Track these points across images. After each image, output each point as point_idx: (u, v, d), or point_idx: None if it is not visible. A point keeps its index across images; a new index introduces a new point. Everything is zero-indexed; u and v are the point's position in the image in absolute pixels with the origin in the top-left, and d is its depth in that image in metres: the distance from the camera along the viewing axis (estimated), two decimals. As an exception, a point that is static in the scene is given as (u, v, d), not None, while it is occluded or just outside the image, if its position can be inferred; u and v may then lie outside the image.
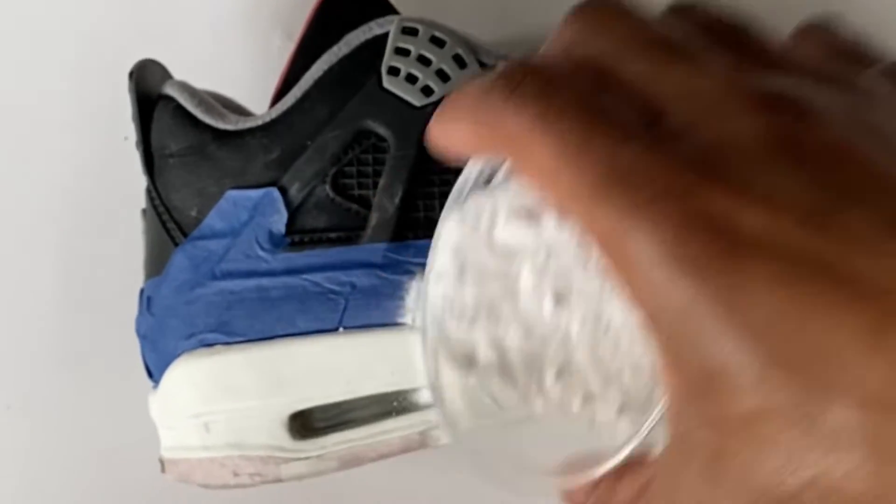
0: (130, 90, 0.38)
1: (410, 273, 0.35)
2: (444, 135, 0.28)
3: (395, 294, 0.35)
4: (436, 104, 0.36)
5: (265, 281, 0.36)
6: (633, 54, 0.26)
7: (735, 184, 0.23)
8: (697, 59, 0.26)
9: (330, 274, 0.36)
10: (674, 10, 0.28)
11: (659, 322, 0.24)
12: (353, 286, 0.35)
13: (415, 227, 0.35)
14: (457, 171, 0.36)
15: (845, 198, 0.23)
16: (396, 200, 0.36)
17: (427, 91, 0.36)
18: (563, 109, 0.25)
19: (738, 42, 0.27)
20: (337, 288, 0.36)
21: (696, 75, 0.25)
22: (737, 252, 0.23)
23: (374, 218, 0.36)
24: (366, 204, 0.36)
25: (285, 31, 0.45)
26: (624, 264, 0.24)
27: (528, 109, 0.25)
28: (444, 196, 0.36)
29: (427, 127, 0.28)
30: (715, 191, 0.23)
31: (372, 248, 0.35)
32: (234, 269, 0.36)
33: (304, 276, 0.36)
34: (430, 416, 0.36)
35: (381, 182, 0.36)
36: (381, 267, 0.35)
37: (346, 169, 0.36)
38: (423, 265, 0.35)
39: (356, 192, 0.36)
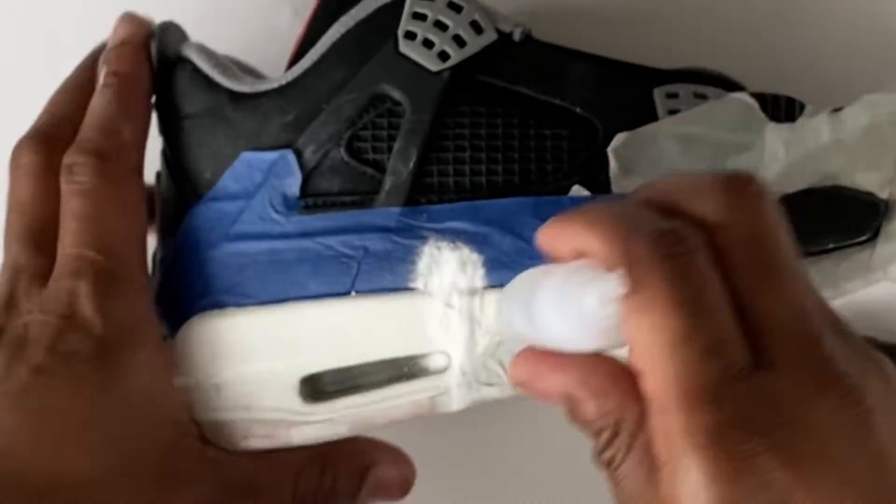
0: (151, 51, 0.38)
1: (423, 238, 0.35)
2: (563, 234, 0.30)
3: (407, 258, 0.35)
4: (452, 69, 0.36)
5: (278, 243, 0.36)
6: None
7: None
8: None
9: (343, 237, 0.36)
10: None
11: None
12: (366, 250, 0.35)
13: (428, 192, 0.35)
14: (472, 138, 0.36)
15: None
16: (410, 165, 0.35)
17: (443, 56, 0.36)
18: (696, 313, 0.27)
19: None
20: (350, 252, 0.36)
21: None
22: None
23: (388, 182, 0.36)
24: (380, 168, 0.36)
25: (293, 9, 0.45)
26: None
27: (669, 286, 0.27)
28: (458, 161, 0.36)
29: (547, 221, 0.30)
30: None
31: (385, 212, 0.35)
32: (248, 231, 0.36)
33: (318, 239, 0.36)
34: (440, 381, 0.36)
35: (396, 146, 0.36)
36: (395, 231, 0.35)
37: (361, 133, 0.36)
38: (435, 230, 0.35)
39: (371, 155, 0.36)
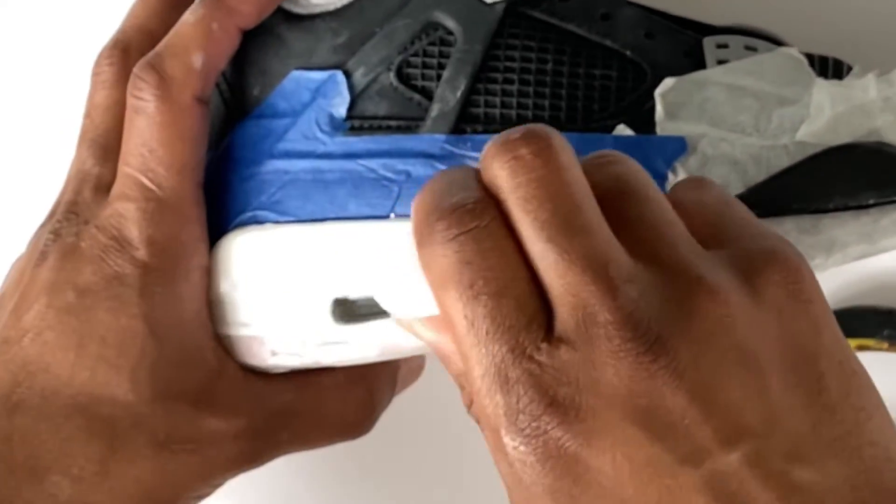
0: None
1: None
2: None
3: None
4: (506, 2, 0.36)
5: (321, 163, 0.36)
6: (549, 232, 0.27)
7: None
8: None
9: (386, 161, 0.36)
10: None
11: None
12: (409, 175, 0.36)
13: (474, 122, 0.36)
14: (521, 72, 0.36)
15: None
16: (458, 94, 0.36)
17: (499, -11, 0.36)
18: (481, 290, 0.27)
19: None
20: (392, 175, 0.36)
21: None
22: None
23: (434, 109, 0.36)
24: (428, 95, 0.36)
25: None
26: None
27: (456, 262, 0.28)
28: (505, 94, 0.36)
29: None
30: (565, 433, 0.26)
31: (430, 139, 0.36)
32: (292, 150, 0.37)
33: (361, 161, 0.36)
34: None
35: (445, 74, 0.36)
36: (438, 158, 0.36)
37: (412, 59, 0.36)
38: (479, 159, 0.35)
39: (420, 82, 0.36)
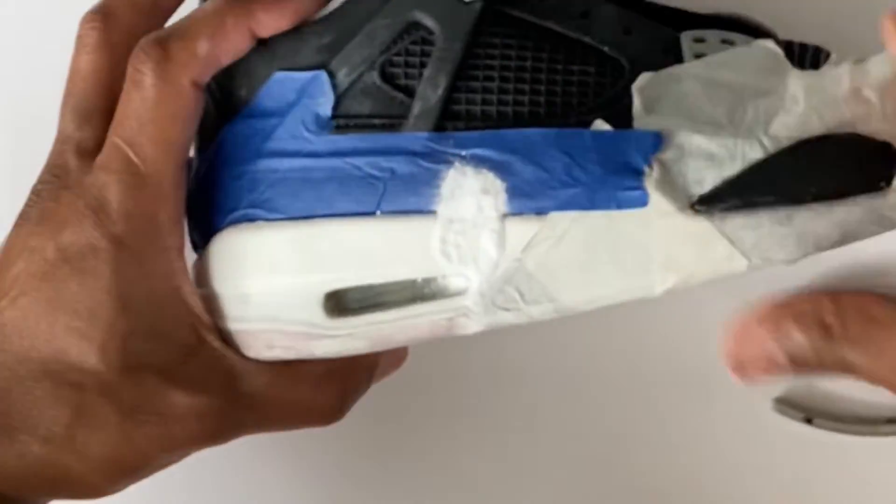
0: None
1: (448, 163, 0.36)
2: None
3: (432, 182, 0.36)
4: (484, 1, 0.37)
5: (309, 161, 0.37)
6: None
7: None
8: None
9: (371, 159, 0.37)
10: None
11: None
12: (393, 172, 0.37)
13: (456, 119, 0.37)
14: (501, 70, 0.37)
15: None
16: (440, 92, 0.37)
17: (477, -13, 0.37)
18: None
19: None
20: (377, 173, 0.37)
21: None
22: None
23: (416, 107, 0.37)
24: (410, 93, 0.37)
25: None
26: None
27: None
28: (486, 91, 0.37)
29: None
30: None
31: (413, 137, 0.37)
32: (280, 149, 0.38)
33: (347, 159, 0.37)
34: (459, 302, 0.37)
35: (426, 73, 0.37)
36: (421, 155, 0.36)
37: (395, 58, 0.37)
38: (461, 156, 0.36)
39: (402, 81, 0.37)
